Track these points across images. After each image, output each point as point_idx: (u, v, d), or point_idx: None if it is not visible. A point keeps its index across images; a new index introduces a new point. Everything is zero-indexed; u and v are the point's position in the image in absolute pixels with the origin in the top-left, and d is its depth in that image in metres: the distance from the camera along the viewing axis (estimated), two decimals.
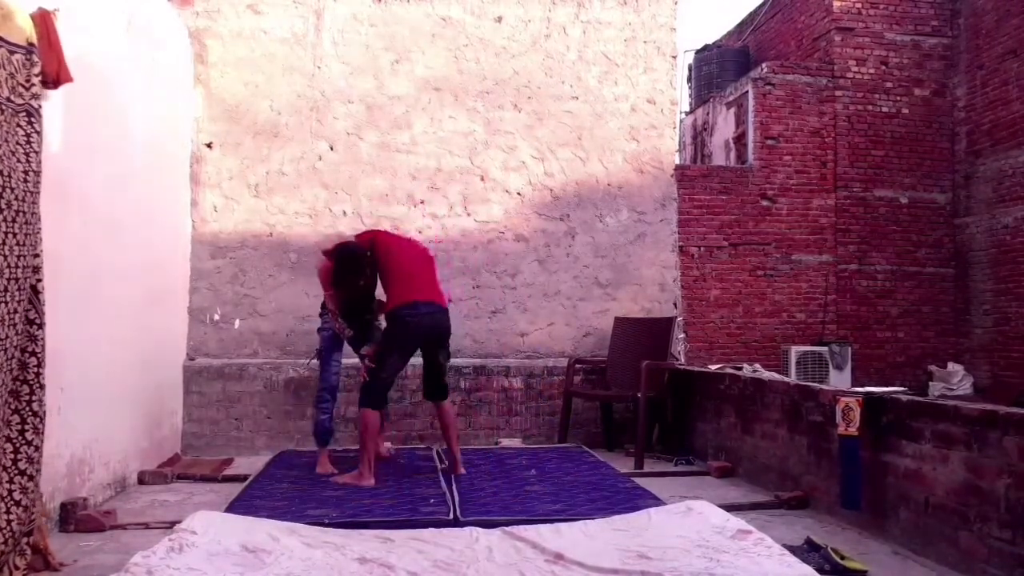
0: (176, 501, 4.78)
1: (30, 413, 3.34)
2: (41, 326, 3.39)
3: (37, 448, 3.36)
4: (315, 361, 5.47)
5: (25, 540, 3.28)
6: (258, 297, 6.72)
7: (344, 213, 6.84)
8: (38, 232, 3.39)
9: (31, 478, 3.30)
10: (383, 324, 5.13)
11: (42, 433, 3.40)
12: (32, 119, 3.36)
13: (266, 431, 6.47)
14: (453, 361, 6.79)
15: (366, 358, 4.98)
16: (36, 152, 3.36)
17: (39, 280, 3.39)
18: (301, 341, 6.69)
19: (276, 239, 6.77)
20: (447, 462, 5.24)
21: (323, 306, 5.29)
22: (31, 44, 3.44)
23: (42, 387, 3.39)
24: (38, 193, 3.37)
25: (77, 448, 4.29)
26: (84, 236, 4.38)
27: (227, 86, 6.78)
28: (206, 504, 4.41)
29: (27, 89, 3.36)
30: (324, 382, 5.28)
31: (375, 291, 5.15)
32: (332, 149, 6.85)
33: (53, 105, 3.88)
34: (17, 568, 3.20)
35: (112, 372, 4.80)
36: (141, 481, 5.27)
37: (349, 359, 5.51)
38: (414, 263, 5.03)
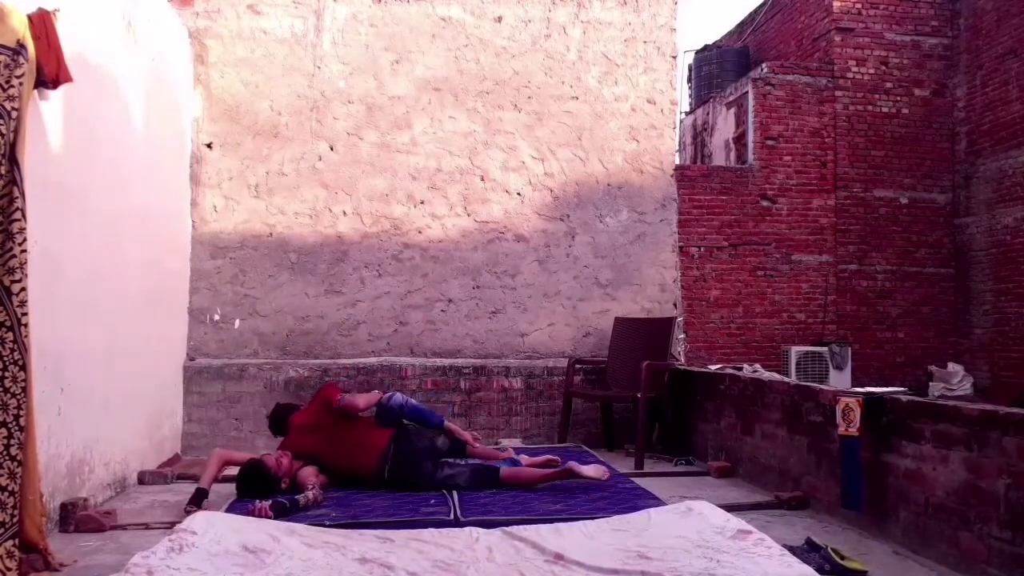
0: (176, 501, 4.77)
1: (16, 427, 3.25)
2: (11, 328, 3.26)
3: (20, 463, 3.27)
4: None
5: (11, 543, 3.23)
6: (258, 297, 6.72)
7: (344, 213, 6.84)
8: (17, 233, 3.30)
9: (12, 494, 3.23)
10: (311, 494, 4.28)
11: (27, 446, 3.30)
12: (2, 120, 3.27)
13: (266, 431, 6.37)
14: (454, 361, 6.86)
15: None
16: (2, 155, 3.27)
17: (14, 281, 3.28)
18: (301, 341, 6.70)
19: (276, 239, 6.77)
20: None
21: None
22: (21, 45, 3.39)
23: (17, 395, 3.26)
24: (8, 196, 3.29)
25: (77, 448, 4.29)
26: (84, 236, 4.38)
27: (227, 86, 6.78)
28: (206, 504, 4.40)
29: (4, 91, 3.30)
30: None
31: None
32: (332, 149, 6.86)
33: (53, 105, 3.88)
34: (9, 569, 3.18)
35: (112, 372, 4.80)
36: (141, 481, 5.27)
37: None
38: None
